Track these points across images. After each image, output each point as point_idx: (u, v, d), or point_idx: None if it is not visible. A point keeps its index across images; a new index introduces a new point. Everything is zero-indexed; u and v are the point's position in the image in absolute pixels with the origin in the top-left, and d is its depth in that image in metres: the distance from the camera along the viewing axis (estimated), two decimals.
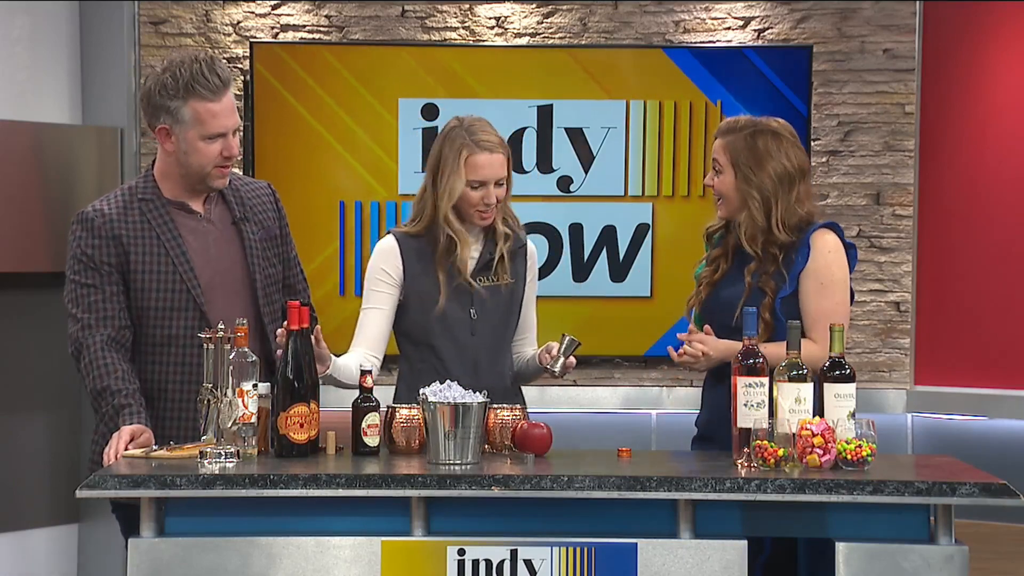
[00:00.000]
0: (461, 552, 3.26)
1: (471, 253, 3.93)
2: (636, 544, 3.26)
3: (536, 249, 4.11)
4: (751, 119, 3.89)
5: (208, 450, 3.37)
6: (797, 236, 3.83)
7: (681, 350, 3.80)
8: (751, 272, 3.83)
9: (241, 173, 4.04)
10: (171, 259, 3.74)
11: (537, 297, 4.08)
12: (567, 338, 3.84)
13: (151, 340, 3.75)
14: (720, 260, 3.93)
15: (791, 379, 3.42)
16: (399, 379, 4.00)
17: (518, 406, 3.69)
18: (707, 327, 3.83)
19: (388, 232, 4.01)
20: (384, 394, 3.73)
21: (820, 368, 3.49)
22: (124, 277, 3.75)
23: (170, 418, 3.74)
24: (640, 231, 6.02)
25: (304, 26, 6.05)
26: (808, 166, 3.90)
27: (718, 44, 6.03)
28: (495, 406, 3.61)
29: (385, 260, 3.95)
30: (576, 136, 6.00)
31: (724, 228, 3.95)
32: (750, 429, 3.39)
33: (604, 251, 6.01)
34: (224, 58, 5.96)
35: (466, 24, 6.06)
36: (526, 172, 5.94)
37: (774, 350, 3.56)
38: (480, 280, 3.93)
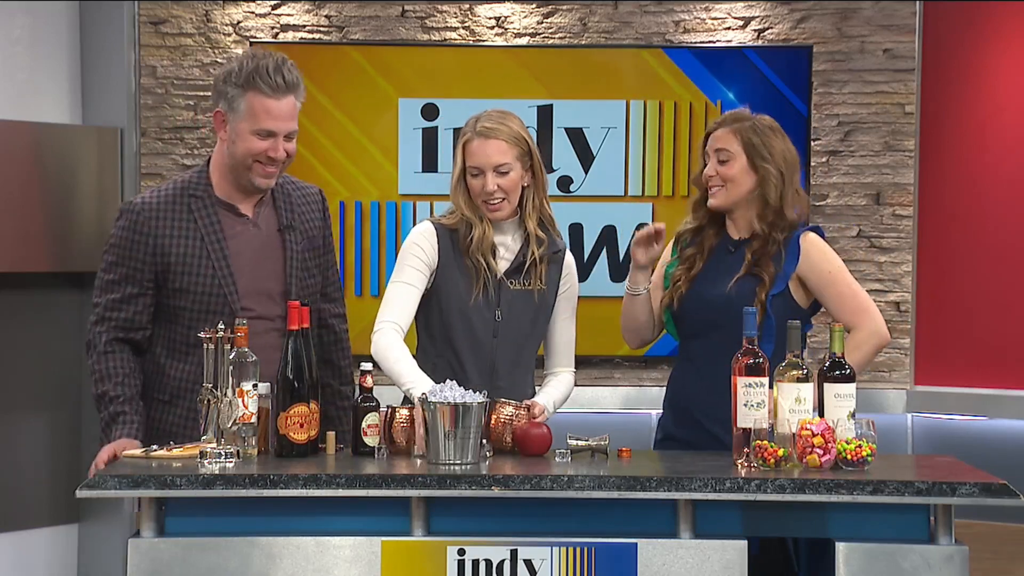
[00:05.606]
0: (461, 552, 3.26)
1: (505, 254, 3.85)
2: (636, 544, 3.26)
3: (574, 261, 3.98)
4: (748, 112, 3.98)
5: (208, 450, 3.37)
6: (787, 236, 3.86)
7: None
8: (752, 251, 3.85)
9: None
10: (212, 262, 3.73)
11: None
12: None
13: (183, 340, 3.74)
14: (695, 258, 3.95)
15: (791, 379, 3.42)
16: None
17: (522, 403, 3.66)
18: None
19: (425, 220, 3.91)
20: (385, 392, 3.72)
21: (820, 368, 3.50)
22: (158, 277, 3.74)
23: (195, 418, 3.70)
24: None
25: (304, 26, 6.05)
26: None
27: (718, 44, 6.02)
28: (497, 402, 3.60)
29: (423, 239, 3.82)
30: (576, 136, 5.99)
31: (696, 230, 3.98)
32: (750, 429, 3.39)
33: (604, 251, 6.01)
34: (223, 58, 5.96)
35: (466, 24, 6.05)
36: None
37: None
38: (512, 283, 3.84)
